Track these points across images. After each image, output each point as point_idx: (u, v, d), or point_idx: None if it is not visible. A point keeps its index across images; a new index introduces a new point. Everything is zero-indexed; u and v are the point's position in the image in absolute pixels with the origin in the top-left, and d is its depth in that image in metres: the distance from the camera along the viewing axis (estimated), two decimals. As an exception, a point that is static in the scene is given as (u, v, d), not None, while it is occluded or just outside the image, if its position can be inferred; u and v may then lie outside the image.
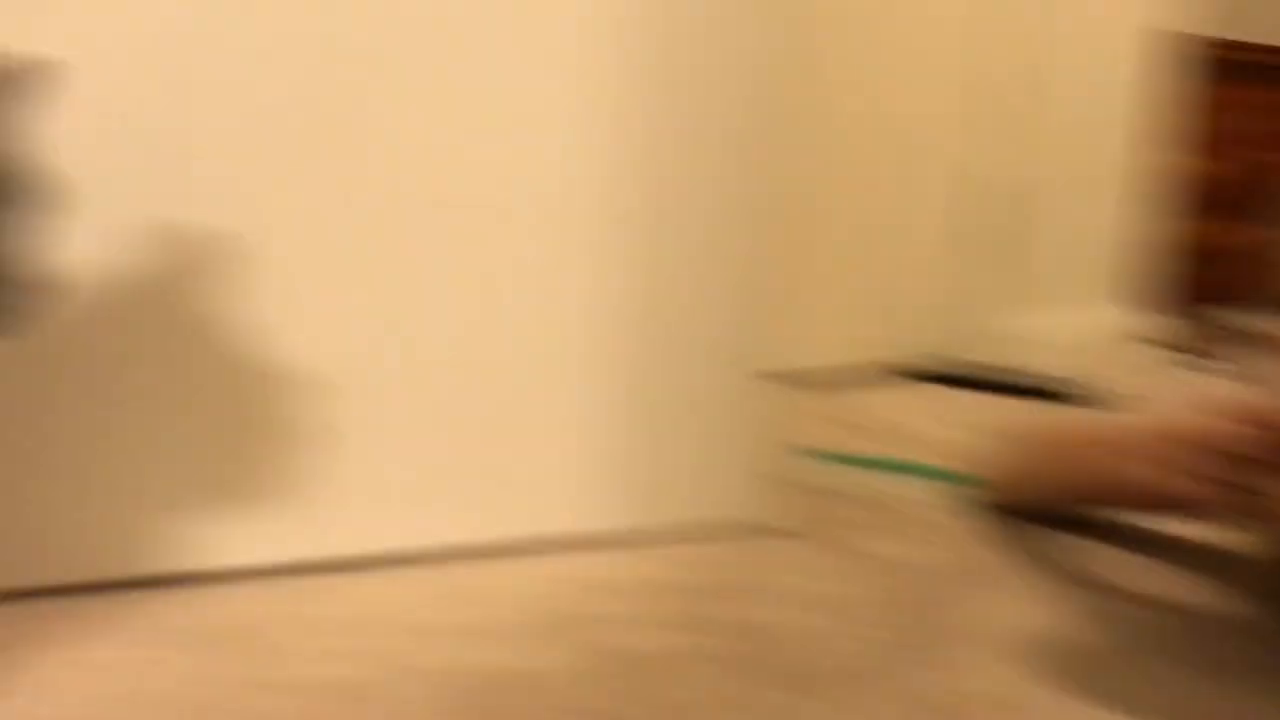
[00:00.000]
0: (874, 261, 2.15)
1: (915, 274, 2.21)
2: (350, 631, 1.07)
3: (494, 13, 1.17)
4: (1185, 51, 2.40)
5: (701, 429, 1.31)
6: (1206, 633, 1.17)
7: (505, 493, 1.25)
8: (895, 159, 2.12)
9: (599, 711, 0.96)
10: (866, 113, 2.06)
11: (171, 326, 1.11)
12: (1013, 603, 1.20)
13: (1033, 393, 2.04)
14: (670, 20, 1.22)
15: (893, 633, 1.12)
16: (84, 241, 1.02)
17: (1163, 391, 2.07)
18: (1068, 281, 2.32)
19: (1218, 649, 1.13)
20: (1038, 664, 1.06)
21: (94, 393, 1.10)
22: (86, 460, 1.11)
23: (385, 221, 1.16)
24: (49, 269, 0.85)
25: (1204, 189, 2.82)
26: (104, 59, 1.04)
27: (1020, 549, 1.34)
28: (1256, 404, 1.15)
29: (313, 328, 1.15)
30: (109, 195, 1.05)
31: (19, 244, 0.80)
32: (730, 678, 1.01)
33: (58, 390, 1.09)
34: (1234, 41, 2.95)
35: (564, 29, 1.19)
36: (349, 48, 1.13)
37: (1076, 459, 1.39)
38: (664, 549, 1.27)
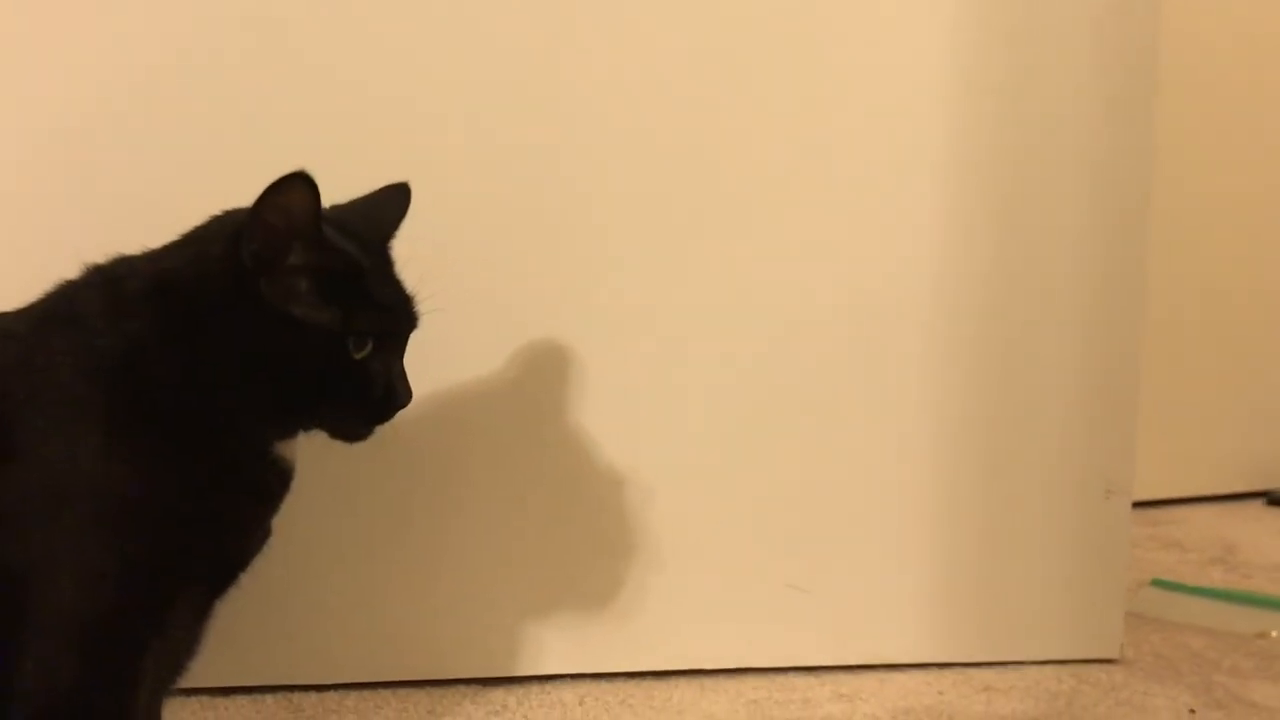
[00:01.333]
0: (1251, 382, 1.98)
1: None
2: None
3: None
4: None
5: (1060, 562, 1.23)
6: None
7: (847, 620, 1.21)
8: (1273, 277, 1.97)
9: None
10: (1242, 227, 1.93)
11: (517, 437, 1.16)
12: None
13: None
14: (1021, 125, 1.19)
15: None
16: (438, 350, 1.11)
17: None
18: None
19: None
20: None
21: (444, 500, 1.15)
22: (435, 565, 1.16)
23: (734, 338, 1.17)
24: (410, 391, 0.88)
25: None
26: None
27: None
28: None
29: (658, 453, 1.16)
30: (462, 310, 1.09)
31: (397, 368, 0.84)
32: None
33: (413, 497, 1.15)
34: None
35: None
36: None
37: None
38: (1018, 686, 1.19)
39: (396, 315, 0.84)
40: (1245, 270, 1.95)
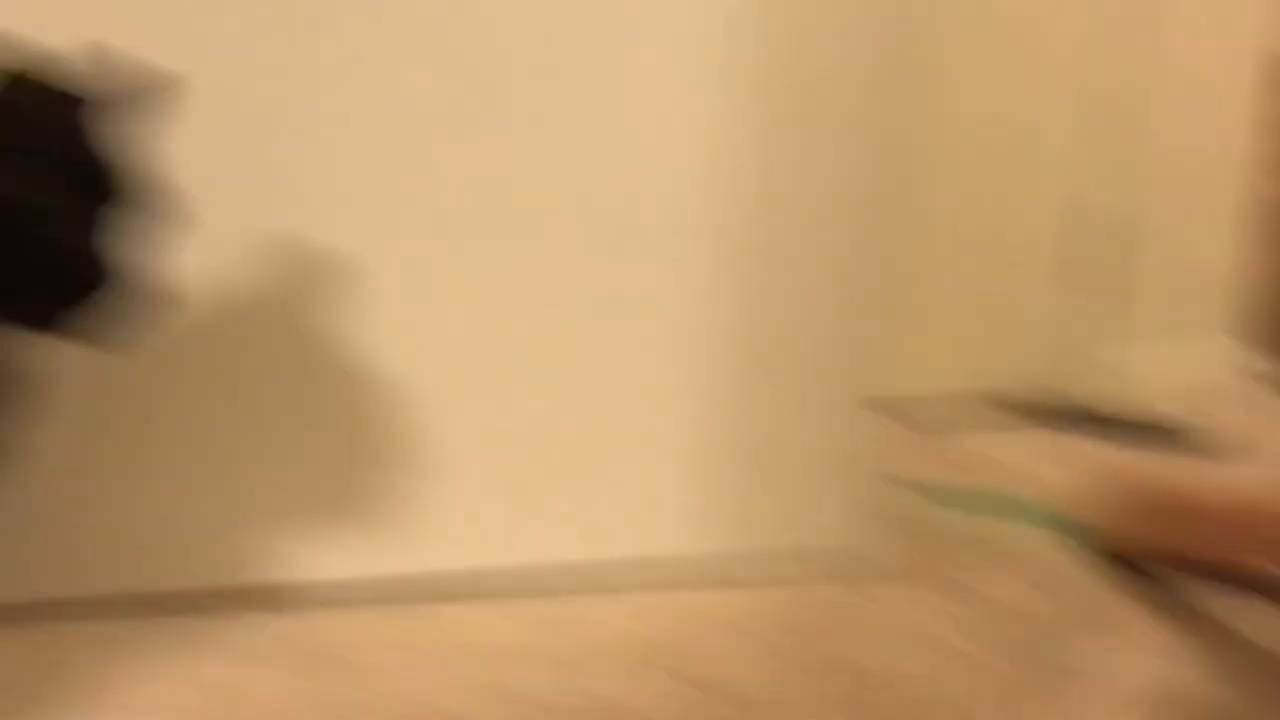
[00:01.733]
0: (980, 291, 2.09)
1: (1021, 304, 2.15)
2: (442, 656, 1.06)
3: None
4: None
5: (804, 455, 1.28)
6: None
7: (602, 516, 1.23)
8: (1002, 187, 2.08)
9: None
10: (974, 139, 2.02)
11: (281, 342, 1.12)
12: (1129, 650, 1.15)
13: (1141, 432, 1.97)
14: (786, 37, 1.20)
15: (1003, 676, 1.08)
16: (199, 255, 1.03)
17: (1275, 434, 1.98)
18: (1177, 314, 2.24)
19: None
20: (1156, 714, 1.01)
21: (202, 405, 1.12)
22: (192, 471, 1.12)
23: (494, 239, 1.16)
24: (164, 281, 0.85)
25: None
26: (220, 71, 1.05)
27: (1134, 595, 1.28)
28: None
29: (415, 348, 1.15)
30: (225, 209, 1.05)
31: (136, 255, 0.81)
32: (834, 717, 0.98)
33: (166, 400, 1.11)
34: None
35: (684, 41, 1.18)
36: (475, 71, 1.13)
37: (1195, 529, 1.33)
38: (763, 583, 1.24)
39: (99, 187, 0.78)
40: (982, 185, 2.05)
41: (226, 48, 1.07)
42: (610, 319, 1.20)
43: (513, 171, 1.15)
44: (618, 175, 1.18)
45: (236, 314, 1.10)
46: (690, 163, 1.19)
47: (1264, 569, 1.27)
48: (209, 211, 1.02)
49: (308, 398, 1.14)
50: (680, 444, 1.24)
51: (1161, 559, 1.33)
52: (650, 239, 1.20)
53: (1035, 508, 1.53)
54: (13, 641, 1.04)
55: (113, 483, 1.11)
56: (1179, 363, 2.23)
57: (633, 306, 1.21)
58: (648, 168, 1.18)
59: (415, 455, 1.17)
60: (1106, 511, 1.40)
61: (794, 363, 1.26)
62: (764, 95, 1.20)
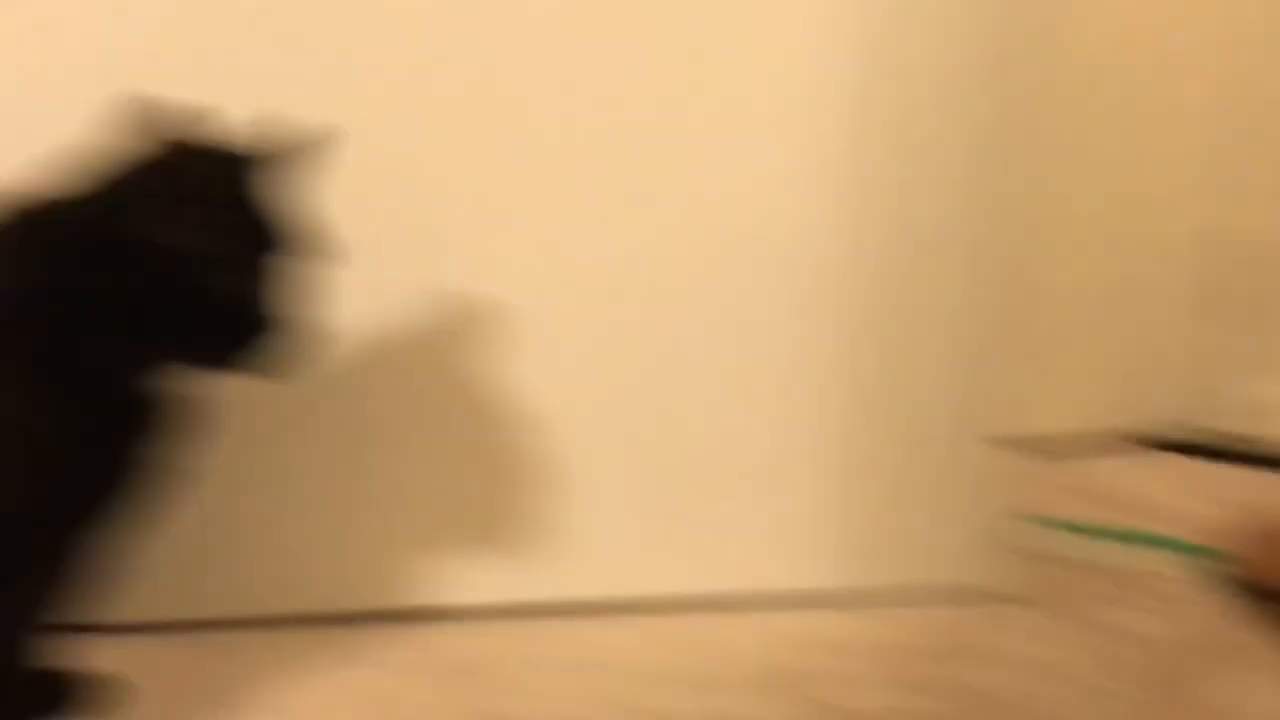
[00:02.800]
0: (1117, 325, 2.06)
1: (1159, 338, 2.11)
2: (577, 673, 1.11)
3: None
4: None
5: (932, 491, 1.29)
6: None
7: (734, 546, 1.26)
8: (1140, 219, 2.04)
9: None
10: (1110, 172, 1.99)
11: (434, 378, 1.19)
12: (1259, 683, 1.12)
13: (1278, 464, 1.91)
14: (908, 71, 1.22)
15: (1130, 705, 1.07)
16: (359, 296, 1.10)
17: None
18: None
19: None
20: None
21: (355, 435, 1.19)
22: (344, 498, 1.19)
23: (628, 277, 1.20)
24: (321, 320, 0.92)
25: None
26: (372, 127, 1.12)
27: (1268, 628, 1.25)
28: None
29: (559, 384, 1.20)
30: (380, 253, 1.12)
31: (297, 295, 0.87)
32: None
33: (321, 431, 1.18)
34: None
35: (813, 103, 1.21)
36: (607, 129, 1.18)
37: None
38: (889, 610, 1.25)
39: (273, 240, 0.84)
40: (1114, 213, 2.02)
41: (381, 101, 1.14)
42: (743, 355, 1.24)
43: (647, 211, 1.20)
44: (745, 213, 1.21)
45: (393, 351, 1.17)
46: (817, 195, 1.22)
47: None
48: (364, 255, 1.10)
49: (458, 432, 1.20)
50: (811, 477, 1.27)
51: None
52: (779, 273, 1.23)
53: (1166, 538, 1.50)
54: (181, 652, 1.13)
55: (276, 509, 1.18)
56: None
57: (766, 344, 1.24)
58: (774, 205, 1.22)
59: (558, 486, 1.22)
60: (1243, 544, 1.37)
61: (923, 396, 1.27)
62: (889, 122, 1.22)
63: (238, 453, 1.14)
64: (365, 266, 1.09)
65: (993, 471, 1.30)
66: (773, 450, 1.25)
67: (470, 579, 1.22)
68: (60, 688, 0.94)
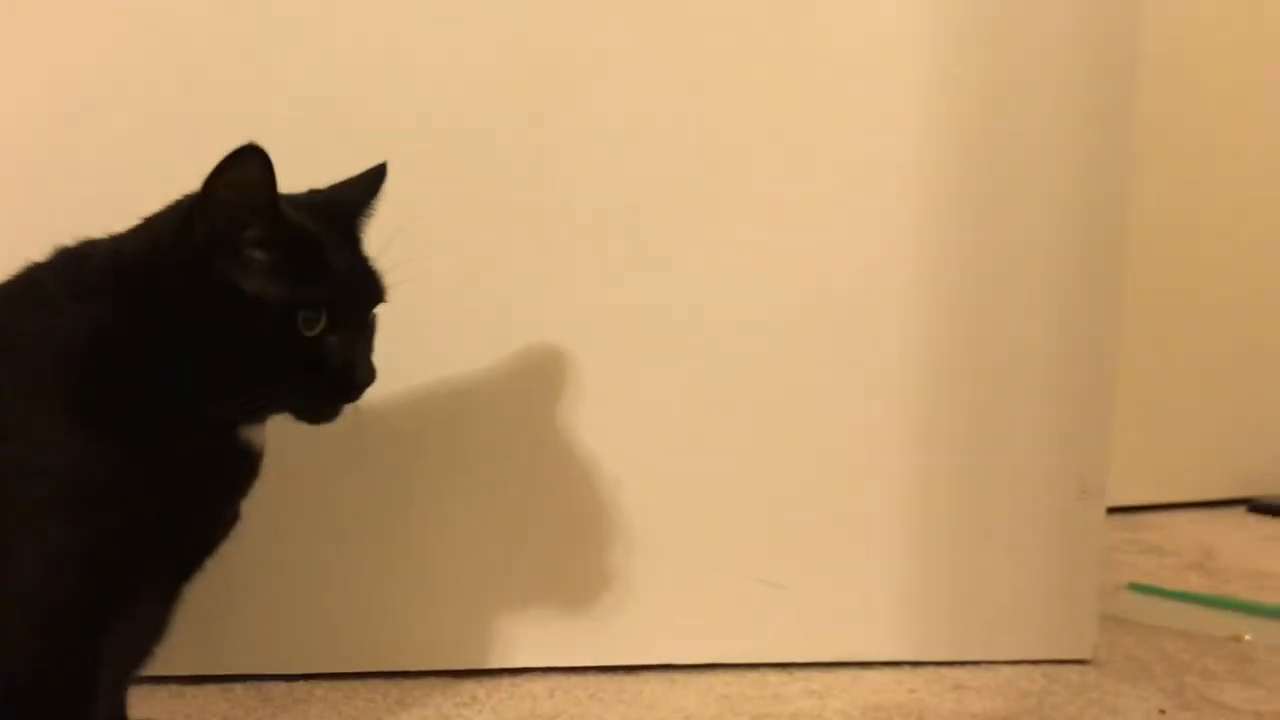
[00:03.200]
0: (1229, 390, 1.99)
1: (1273, 404, 2.03)
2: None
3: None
4: None
5: (1035, 562, 1.23)
6: None
7: (821, 616, 1.21)
8: (1252, 280, 1.98)
9: None
10: (1226, 231, 1.94)
11: (497, 434, 1.16)
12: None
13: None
14: (998, 133, 1.19)
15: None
16: (437, 349, 1.11)
17: None
18: None
19: None
20: None
21: (416, 491, 1.15)
22: (406, 556, 1.16)
23: (711, 333, 1.17)
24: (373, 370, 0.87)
25: None
26: (431, 166, 1.11)
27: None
28: None
29: (632, 447, 1.17)
30: (441, 304, 1.11)
31: (358, 346, 0.84)
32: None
33: (380, 486, 1.14)
34: None
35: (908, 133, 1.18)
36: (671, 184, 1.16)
37: None
38: (972, 681, 1.19)
39: (352, 289, 0.82)
40: (1229, 276, 1.95)
41: (442, 141, 1.12)
42: (822, 414, 1.19)
43: (727, 266, 1.17)
44: (824, 266, 1.18)
45: (456, 403, 1.14)
46: (901, 243, 1.18)
47: None
48: (425, 302, 1.09)
49: (521, 488, 1.17)
50: (892, 544, 1.22)
51: None
52: (862, 328, 1.19)
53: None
54: (236, 705, 1.12)
55: (333, 568, 1.15)
56: None
57: (843, 399, 1.19)
58: (855, 253, 1.18)
59: (634, 551, 1.18)
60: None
61: (1018, 458, 1.22)
62: (981, 165, 1.19)
63: (300, 507, 1.12)
64: (426, 314, 1.08)
65: (1096, 539, 1.24)
66: (856, 517, 1.21)
67: (534, 641, 1.18)
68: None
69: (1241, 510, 1.99)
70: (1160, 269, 1.79)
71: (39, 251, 0.83)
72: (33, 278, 0.81)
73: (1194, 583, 1.57)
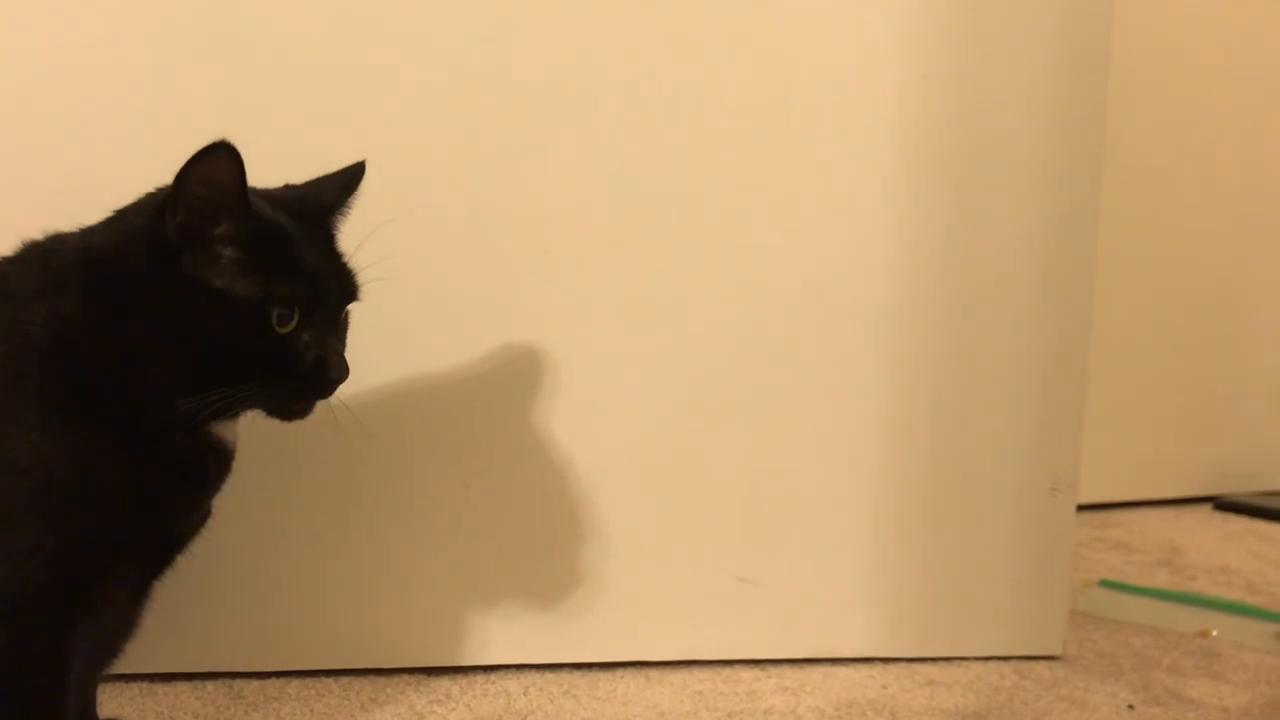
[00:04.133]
0: (1195, 388, 2.00)
1: (1243, 400, 2.05)
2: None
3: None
4: None
5: (1006, 559, 1.24)
6: None
7: (795, 613, 1.21)
8: (1219, 283, 2.00)
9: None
10: (1193, 230, 1.96)
11: (473, 432, 1.15)
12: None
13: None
14: (976, 129, 1.19)
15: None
16: (416, 349, 1.10)
17: None
18: None
19: None
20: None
21: (398, 489, 1.14)
22: (379, 553, 1.15)
23: (684, 335, 1.17)
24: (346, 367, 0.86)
25: None
26: (432, 164, 1.10)
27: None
28: None
29: (607, 446, 1.16)
30: (430, 305, 1.11)
31: (330, 343, 0.83)
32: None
33: (362, 485, 1.13)
34: None
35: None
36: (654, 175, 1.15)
37: None
38: (944, 675, 1.20)
39: (324, 286, 0.81)
40: (1196, 275, 1.97)
41: (446, 139, 1.11)
42: (799, 412, 1.19)
43: (712, 263, 1.16)
44: (807, 264, 1.18)
45: (437, 402, 1.13)
46: (874, 243, 1.19)
47: None
48: (411, 304, 1.09)
49: (504, 488, 1.16)
50: (868, 539, 1.22)
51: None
52: (834, 327, 1.19)
53: (1246, 606, 1.43)
54: (209, 703, 1.11)
55: (306, 565, 1.14)
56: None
57: (816, 392, 1.19)
58: (828, 253, 1.18)
59: (609, 548, 1.18)
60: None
61: (991, 455, 1.22)
62: (957, 161, 1.19)
63: (273, 504, 1.11)
64: (402, 312, 1.09)
65: (1066, 534, 1.25)
66: (827, 509, 1.21)
67: (508, 638, 1.18)
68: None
69: (1208, 508, 2.01)
70: (1128, 267, 1.81)
71: (6, 247, 0.82)
72: (1, 271, 0.80)
73: (1162, 579, 1.59)
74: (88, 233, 0.81)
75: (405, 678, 1.15)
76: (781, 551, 1.21)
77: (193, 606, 1.04)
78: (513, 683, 1.15)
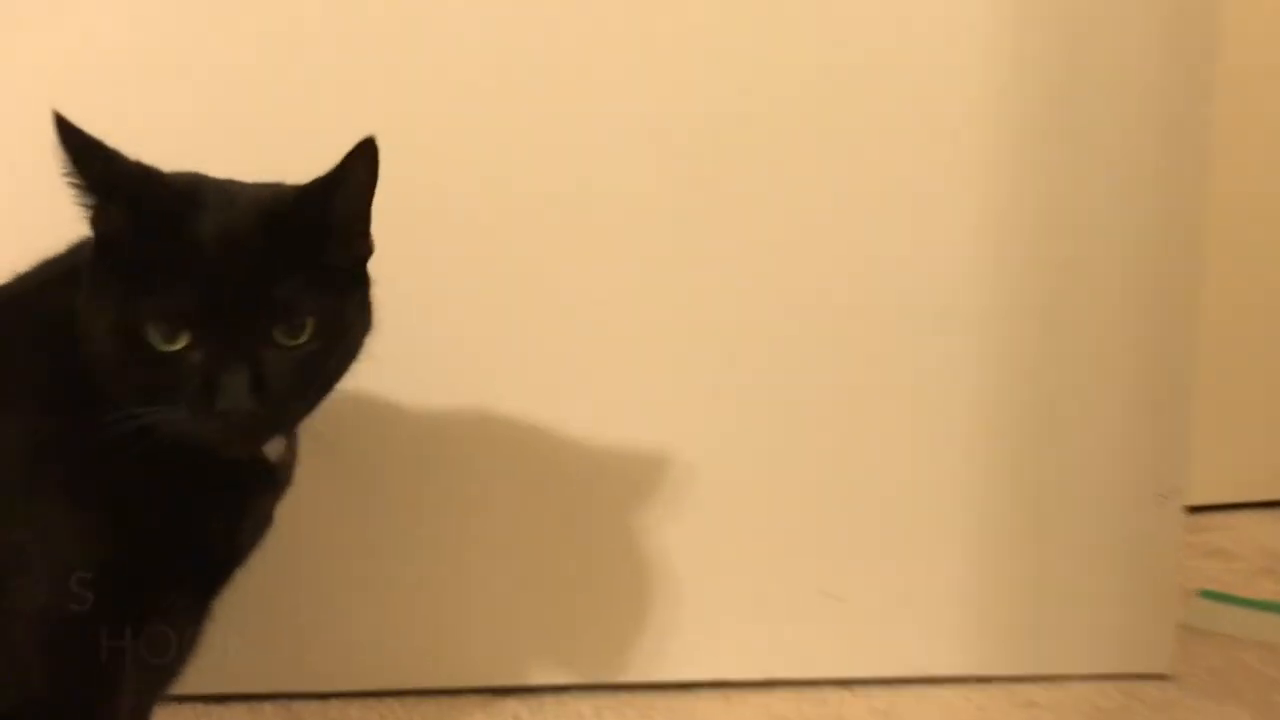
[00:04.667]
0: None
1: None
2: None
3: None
4: None
5: (1109, 570, 1.17)
6: None
7: (884, 629, 1.15)
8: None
9: None
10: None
11: (540, 441, 1.10)
12: None
13: None
14: (1080, 143, 1.12)
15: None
16: (438, 373, 1.06)
17: None
18: None
19: None
20: None
21: (456, 505, 1.10)
22: (444, 570, 1.11)
23: (768, 337, 1.11)
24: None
25: None
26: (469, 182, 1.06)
27: None
28: None
29: (685, 456, 1.11)
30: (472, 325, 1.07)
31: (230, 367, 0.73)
32: None
33: (423, 500, 1.10)
34: None
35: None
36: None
37: None
38: (1064, 702, 1.13)
39: (222, 305, 0.70)
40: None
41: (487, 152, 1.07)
42: (892, 421, 1.14)
43: (801, 267, 1.11)
44: (891, 264, 1.12)
45: (502, 420, 1.09)
46: (970, 247, 1.13)
47: None
48: (449, 327, 1.05)
49: (550, 506, 1.12)
50: (962, 553, 1.16)
51: None
52: (928, 334, 1.13)
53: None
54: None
55: (366, 581, 1.10)
56: None
57: (915, 406, 1.13)
58: (922, 257, 1.12)
59: (686, 562, 1.13)
60: None
61: (1089, 465, 1.16)
62: (1061, 160, 1.12)
63: (334, 520, 1.07)
64: (452, 338, 1.06)
65: (1170, 543, 1.18)
66: (932, 527, 1.15)
67: (576, 655, 1.13)
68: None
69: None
70: (1234, 263, 1.73)
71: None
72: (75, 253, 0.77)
73: (1268, 589, 1.50)
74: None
75: (472, 698, 1.11)
76: (869, 564, 1.15)
77: (249, 625, 0.99)
78: (584, 704, 1.10)
